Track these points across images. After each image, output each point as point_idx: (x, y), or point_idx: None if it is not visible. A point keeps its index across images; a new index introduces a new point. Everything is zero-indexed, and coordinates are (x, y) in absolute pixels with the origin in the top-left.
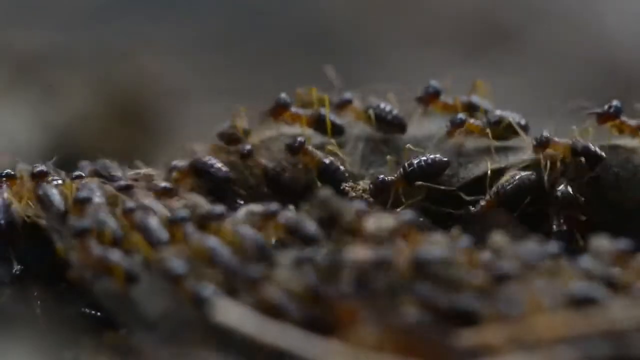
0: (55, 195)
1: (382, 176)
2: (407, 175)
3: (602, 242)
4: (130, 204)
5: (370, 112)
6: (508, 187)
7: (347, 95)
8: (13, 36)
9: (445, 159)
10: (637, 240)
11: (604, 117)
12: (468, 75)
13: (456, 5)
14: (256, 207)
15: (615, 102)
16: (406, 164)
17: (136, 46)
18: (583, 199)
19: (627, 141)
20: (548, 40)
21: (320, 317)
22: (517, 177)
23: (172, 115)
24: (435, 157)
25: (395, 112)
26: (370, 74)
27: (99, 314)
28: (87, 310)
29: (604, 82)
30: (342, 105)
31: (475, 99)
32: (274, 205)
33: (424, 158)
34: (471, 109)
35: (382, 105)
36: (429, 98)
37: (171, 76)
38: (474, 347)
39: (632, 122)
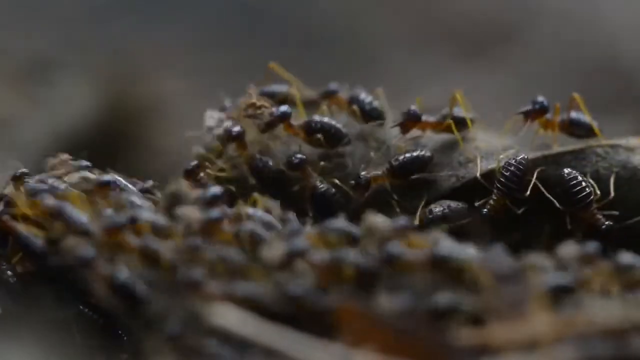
0: None
1: (363, 173)
2: (394, 169)
3: (568, 248)
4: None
5: (355, 107)
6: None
7: (332, 85)
8: (12, 36)
9: (429, 155)
10: (638, 238)
11: (532, 115)
12: (467, 75)
13: (455, 5)
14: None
15: (540, 99)
16: (392, 160)
17: (136, 46)
18: None
19: (627, 141)
20: (547, 40)
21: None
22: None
23: (172, 115)
24: (420, 154)
25: (375, 103)
26: (369, 74)
27: (96, 315)
28: (86, 310)
29: (604, 82)
30: (326, 96)
31: (458, 110)
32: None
33: (409, 154)
34: (457, 122)
35: (362, 96)
36: (409, 124)
37: (171, 76)
38: (473, 346)
39: (556, 119)
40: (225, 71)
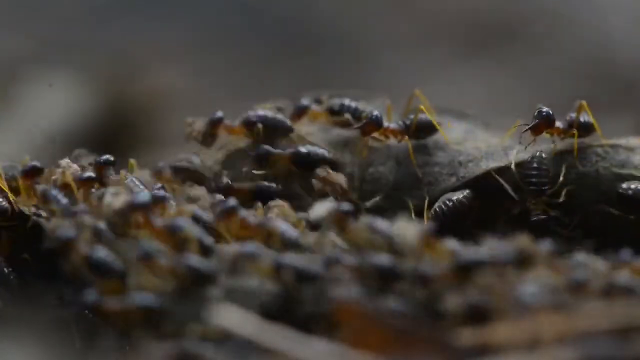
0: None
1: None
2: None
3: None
4: None
5: (347, 115)
6: (445, 209)
7: (304, 101)
8: (12, 35)
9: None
10: (637, 237)
11: (540, 128)
12: (467, 74)
13: (455, 5)
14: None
15: (545, 110)
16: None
17: (136, 46)
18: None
19: (627, 141)
20: (548, 39)
21: None
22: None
23: (171, 115)
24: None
25: (358, 107)
26: (368, 74)
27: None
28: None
29: (604, 82)
30: (300, 113)
31: (424, 116)
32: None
33: (320, 149)
34: (422, 128)
35: (347, 102)
36: (370, 128)
37: (170, 76)
38: (473, 346)
39: (560, 125)
40: (225, 71)
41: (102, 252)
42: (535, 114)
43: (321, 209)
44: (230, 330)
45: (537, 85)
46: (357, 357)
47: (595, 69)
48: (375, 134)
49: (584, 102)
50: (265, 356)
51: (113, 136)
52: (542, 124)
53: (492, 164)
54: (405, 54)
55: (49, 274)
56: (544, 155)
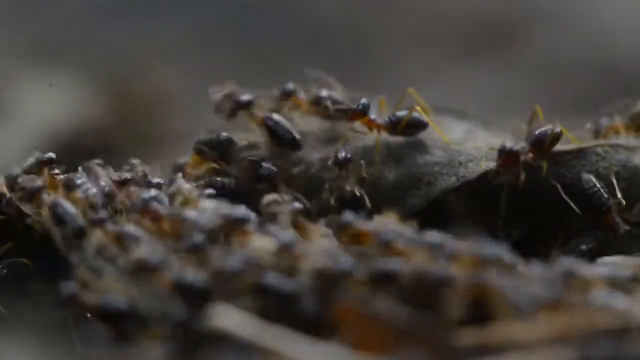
0: None
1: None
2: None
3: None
4: None
5: (329, 104)
6: None
7: (290, 85)
8: (12, 35)
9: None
10: (637, 236)
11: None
12: (467, 75)
13: (455, 6)
14: None
15: (507, 146)
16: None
17: (136, 46)
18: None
19: (627, 140)
20: (547, 39)
21: None
22: None
23: (172, 115)
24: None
25: (345, 101)
26: (369, 74)
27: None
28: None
29: (604, 83)
30: (285, 97)
31: (417, 113)
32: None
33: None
34: (413, 125)
35: (333, 94)
36: (354, 116)
37: (171, 76)
38: (473, 346)
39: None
40: (226, 71)
41: (66, 205)
42: (499, 149)
43: (212, 213)
44: (229, 331)
45: (537, 86)
46: (357, 357)
47: (595, 70)
48: (359, 123)
49: (537, 106)
50: (264, 357)
51: (113, 136)
52: (507, 160)
53: (492, 164)
54: (406, 54)
55: (48, 274)
56: (586, 176)
